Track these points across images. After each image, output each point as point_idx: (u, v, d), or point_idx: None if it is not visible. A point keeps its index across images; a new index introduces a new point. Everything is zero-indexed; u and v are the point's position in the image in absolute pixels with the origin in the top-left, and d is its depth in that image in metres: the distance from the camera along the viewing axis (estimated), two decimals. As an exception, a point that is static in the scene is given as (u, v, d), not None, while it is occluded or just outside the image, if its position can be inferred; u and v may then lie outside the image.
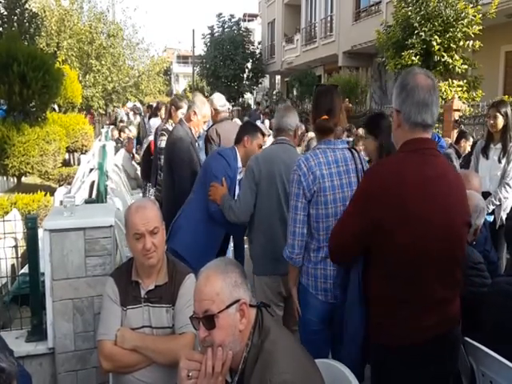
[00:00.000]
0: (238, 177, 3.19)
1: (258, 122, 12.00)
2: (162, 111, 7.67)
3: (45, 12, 16.26)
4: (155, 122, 7.52)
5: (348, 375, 1.56)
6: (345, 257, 1.92)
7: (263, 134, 3.39)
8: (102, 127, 15.74)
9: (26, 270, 3.24)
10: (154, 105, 9.22)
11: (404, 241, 1.65)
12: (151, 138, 6.66)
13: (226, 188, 3.02)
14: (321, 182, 2.25)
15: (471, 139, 6.26)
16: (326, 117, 2.32)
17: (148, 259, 2.03)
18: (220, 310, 1.43)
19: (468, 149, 6.03)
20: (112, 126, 12.43)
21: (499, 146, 4.18)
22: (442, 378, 1.82)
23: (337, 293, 2.24)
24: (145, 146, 6.84)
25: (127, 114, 16.42)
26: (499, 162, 4.15)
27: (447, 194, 1.73)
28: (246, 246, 3.50)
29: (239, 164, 3.17)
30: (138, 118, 10.69)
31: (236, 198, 2.99)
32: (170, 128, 4.53)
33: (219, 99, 4.65)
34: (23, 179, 8.02)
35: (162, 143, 4.38)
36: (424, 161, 1.72)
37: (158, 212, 2.12)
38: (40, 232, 2.68)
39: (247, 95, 30.58)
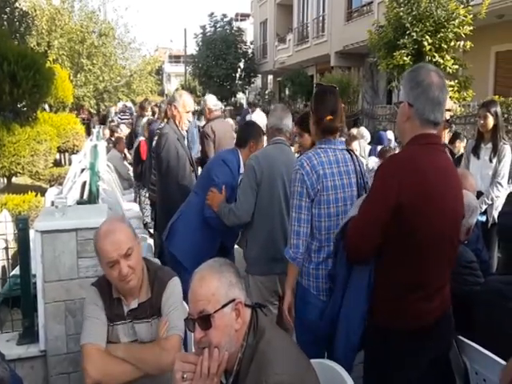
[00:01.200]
0: (239, 176, 3.14)
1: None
2: (149, 111, 7.65)
3: (35, 11, 16.12)
4: (143, 122, 7.49)
5: (344, 375, 1.56)
6: (364, 251, 1.86)
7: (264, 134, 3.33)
8: (94, 127, 15.63)
9: (16, 271, 3.20)
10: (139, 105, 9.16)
11: (422, 224, 1.71)
12: (142, 138, 6.64)
13: (225, 196, 2.98)
14: (324, 180, 2.24)
15: (465, 140, 6.30)
16: (331, 117, 2.31)
17: (127, 283, 1.93)
18: (216, 310, 1.42)
19: (462, 150, 6.07)
20: (103, 126, 12.34)
21: (490, 145, 4.21)
22: (438, 358, 1.93)
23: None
24: (135, 146, 6.80)
25: (116, 114, 16.23)
26: (490, 161, 4.18)
27: (454, 185, 1.85)
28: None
29: (242, 169, 3.12)
30: (125, 129, 10.59)
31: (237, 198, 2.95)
32: None
33: (211, 99, 4.94)
34: (13, 180, 7.95)
35: None
36: (435, 153, 1.81)
37: (129, 229, 1.98)
38: (31, 233, 2.65)
39: (239, 95, 30.55)
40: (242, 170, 3.11)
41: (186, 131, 3.96)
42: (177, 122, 3.79)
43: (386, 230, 1.75)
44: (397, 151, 5.03)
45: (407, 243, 1.75)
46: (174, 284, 2.05)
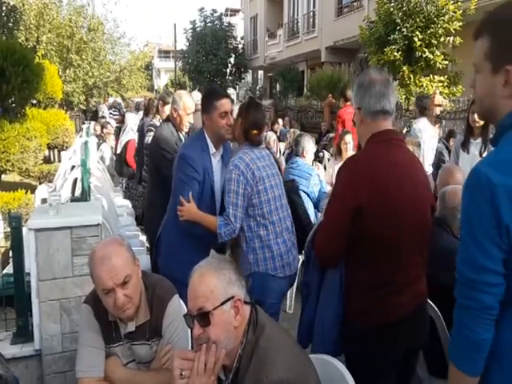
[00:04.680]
0: (215, 160, 2.85)
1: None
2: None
3: (23, 5, 15.87)
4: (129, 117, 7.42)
5: (342, 371, 1.58)
6: (332, 255, 1.92)
7: (227, 97, 2.82)
8: (83, 123, 15.48)
9: (8, 270, 3.17)
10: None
11: (383, 222, 1.76)
12: (130, 136, 6.57)
13: (194, 204, 2.66)
14: (257, 173, 2.59)
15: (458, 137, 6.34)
16: (256, 132, 2.68)
17: (123, 312, 1.79)
18: (214, 307, 1.43)
19: (456, 147, 6.12)
20: (93, 122, 12.23)
21: (479, 140, 4.25)
22: (412, 352, 1.98)
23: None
24: (123, 143, 6.72)
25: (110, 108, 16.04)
26: (480, 155, 4.22)
27: (415, 178, 1.89)
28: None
29: (211, 150, 2.80)
30: (114, 125, 10.49)
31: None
32: (158, 123, 4.50)
33: (196, 95, 4.89)
34: (2, 177, 7.86)
35: (150, 139, 4.32)
36: (392, 149, 1.87)
37: (127, 253, 1.81)
38: (23, 231, 2.63)
39: (230, 90, 30.46)
40: (211, 151, 2.80)
41: (187, 133, 3.83)
42: (177, 125, 3.68)
43: (350, 231, 1.81)
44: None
45: (372, 243, 1.79)
46: (175, 304, 1.93)
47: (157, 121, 4.68)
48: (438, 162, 5.17)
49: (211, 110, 2.73)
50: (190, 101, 3.72)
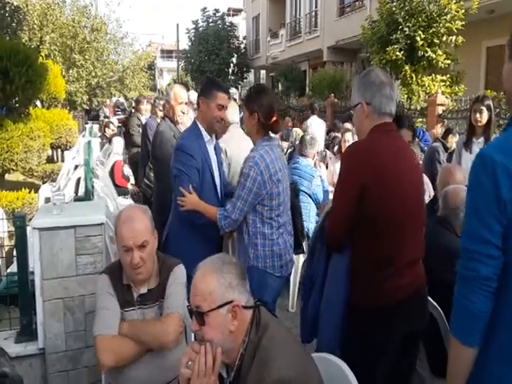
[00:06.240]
0: (210, 147, 2.89)
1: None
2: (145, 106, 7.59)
3: (27, 6, 15.88)
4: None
5: (345, 370, 1.58)
6: (340, 239, 1.98)
7: (228, 93, 2.88)
8: (86, 123, 15.53)
9: (12, 269, 3.20)
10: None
11: (386, 203, 1.85)
12: (116, 157, 6.58)
13: (195, 194, 2.68)
14: (274, 177, 2.57)
15: (457, 135, 6.33)
16: (275, 118, 2.60)
17: (136, 275, 2.01)
18: (210, 309, 1.44)
19: (454, 145, 6.10)
20: (96, 125, 12.26)
21: (481, 139, 4.25)
22: (412, 337, 2.01)
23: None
24: (109, 165, 6.69)
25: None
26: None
27: (412, 164, 2.06)
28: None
29: (206, 137, 2.84)
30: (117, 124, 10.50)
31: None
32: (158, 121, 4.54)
33: (193, 94, 5.00)
34: (6, 176, 7.89)
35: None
36: (392, 140, 2.01)
37: (149, 222, 2.04)
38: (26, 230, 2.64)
39: (232, 90, 30.48)
40: (205, 138, 2.84)
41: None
42: (171, 117, 3.71)
43: (354, 213, 1.89)
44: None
45: (373, 224, 1.87)
46: (180, 270, 2.14)
47: (158, 120, 4.73)
48: (433, 161, 5.16)
49: (210, 96, 2.77)
50: (181, 91, 3.76)
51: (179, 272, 2.14)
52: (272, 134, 2.71)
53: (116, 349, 1.96)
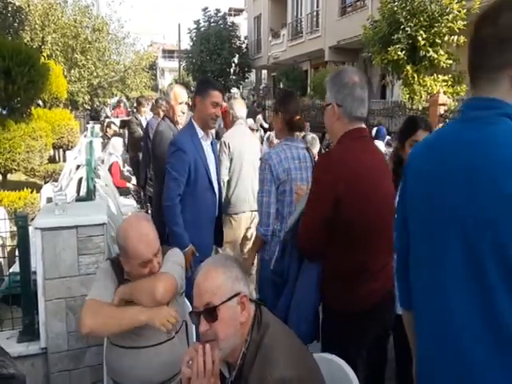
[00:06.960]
0: (205, 143, 3.06)
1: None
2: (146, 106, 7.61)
3: (29, 6, 15.89)
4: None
5: (346, 370, 1.59)
6: (315, 248, 1.97)
7: (221, 91, 3.08)
8: (88, 123, 15.53)
9: (15, 268, 3.20)
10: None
11: (359, 211, 1.86)
12: (113, 158, 6.60)
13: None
14: (288, 173, 2.71)
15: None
16: (299, 117, 2.80)
17: (152, 274, 2.00)
18: (222, 302, 1.43)
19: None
20: (98, 125, 12.26)
21: None
22: (382, 336, 2.12)
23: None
24: (106, 166, 6.73)
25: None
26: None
27: (383, 170, 2.07)
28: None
29: (200, 134, 3.02)
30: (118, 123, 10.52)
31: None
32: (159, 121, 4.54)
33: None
34: (8, 176, 7.90)
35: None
36: (364, 146, 2.01)
37: (154, 227, 2.06)
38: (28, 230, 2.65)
39: (234, 90, 30.49)
40: (200, 134, 3.01)
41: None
42: (171, 117, 3.72)
43: (329, 221, 1.89)
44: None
45: (347, 230, 1.88)
46: (173, 252, 2.18)
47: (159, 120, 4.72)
48: None
49: (205, 94, 2.97)
50: (181, 91, 3.80)
51: (171, 253, 2.16)
52: (297, 134, 2.98)
53: (99, 311, 1.92)
